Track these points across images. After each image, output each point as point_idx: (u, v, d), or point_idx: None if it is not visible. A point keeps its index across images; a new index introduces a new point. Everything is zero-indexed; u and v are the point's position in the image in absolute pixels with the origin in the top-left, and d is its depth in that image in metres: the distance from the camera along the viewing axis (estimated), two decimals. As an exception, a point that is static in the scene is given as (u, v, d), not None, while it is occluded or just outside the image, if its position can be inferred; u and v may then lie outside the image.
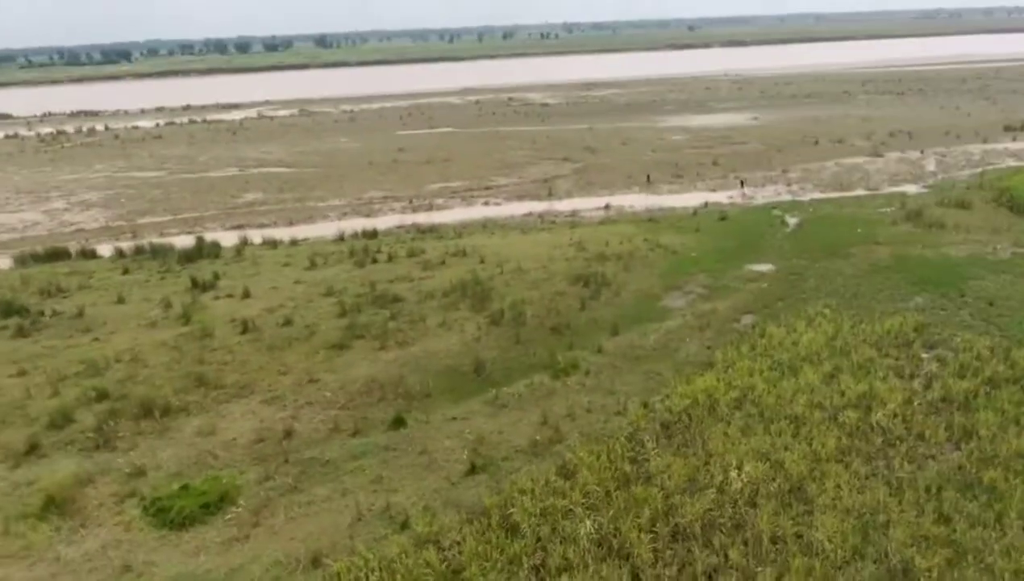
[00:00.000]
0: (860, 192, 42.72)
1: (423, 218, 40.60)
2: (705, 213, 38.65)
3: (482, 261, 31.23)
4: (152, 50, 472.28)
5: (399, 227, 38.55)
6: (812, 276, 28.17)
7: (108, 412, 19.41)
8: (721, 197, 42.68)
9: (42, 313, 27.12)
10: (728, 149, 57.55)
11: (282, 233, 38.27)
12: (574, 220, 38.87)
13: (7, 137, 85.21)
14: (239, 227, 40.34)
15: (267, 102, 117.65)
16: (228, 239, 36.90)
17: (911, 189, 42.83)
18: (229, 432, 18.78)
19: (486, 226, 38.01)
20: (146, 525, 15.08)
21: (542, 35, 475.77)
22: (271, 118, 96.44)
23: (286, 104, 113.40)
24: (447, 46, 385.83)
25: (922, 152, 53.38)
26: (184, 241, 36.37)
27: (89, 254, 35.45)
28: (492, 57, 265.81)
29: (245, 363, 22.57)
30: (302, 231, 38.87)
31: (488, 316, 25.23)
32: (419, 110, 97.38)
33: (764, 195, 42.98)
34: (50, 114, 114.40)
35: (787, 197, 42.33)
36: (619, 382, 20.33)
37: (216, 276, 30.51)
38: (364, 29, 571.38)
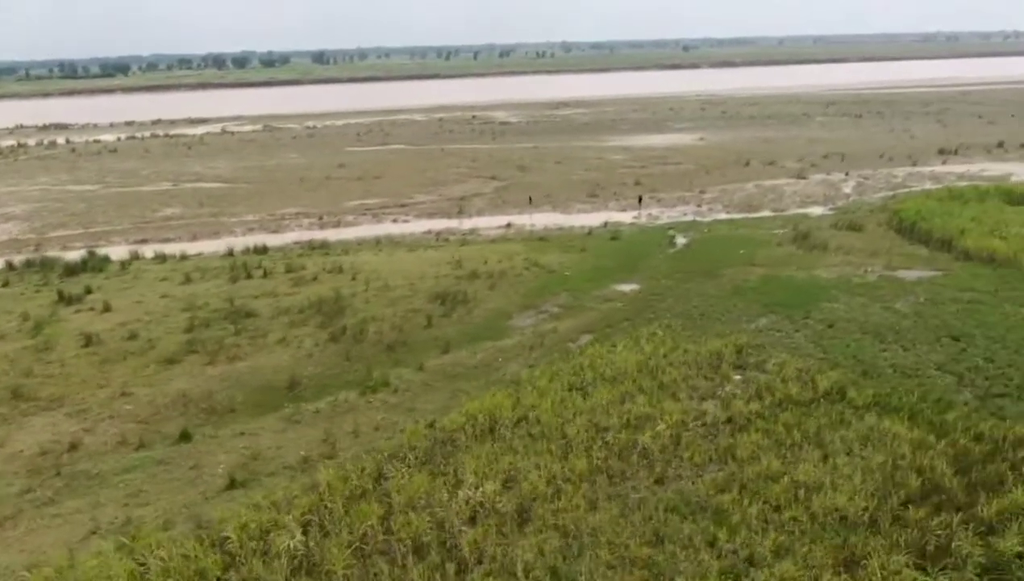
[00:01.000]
0: (766, 213, 42.99)
1: (328, 234, 40.88)
2: (601, 232, 38.90)
3: (354, 278, 31.43)
4: (152, 64, 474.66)
5: (296, 243, 38.80)
6: (672, 296, 28.34)
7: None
8: (625, 217, 42.99)
9: None
10: (659, 169, 57.92)
11: (180, 248, 38.47)
12: (470, 238, 39.09)
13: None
14: (143, 241, 40.60)
15: (237, 117, 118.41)
16: (123, 253, 37.11)
17: (816, 210, 43.11)
18: (18, 444, 18.88)
19: (379, 243, 38.23)
20: None
21: (537, 54, 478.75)
22: (232, 133, 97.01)
23: (254, 119, 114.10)
24: (442, 63, 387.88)
25: (847, 174, 53.74)
26: (76, 255, 36.54)
27: (-21, 266, 35.60)
28: (481, 75, 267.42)
29: (69, 377, 22.69)
30: (201, 246, 39.07)
31: (330, 333, 25.39)
32: (381, 127, 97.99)
33: (670, 215, 43.25)
34: (21, 127, 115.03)
35: (691, 217, 42.60)
36: (423, 400, 20.45)
37: (87, 290, 30.69)
38: (367, 46, 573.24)
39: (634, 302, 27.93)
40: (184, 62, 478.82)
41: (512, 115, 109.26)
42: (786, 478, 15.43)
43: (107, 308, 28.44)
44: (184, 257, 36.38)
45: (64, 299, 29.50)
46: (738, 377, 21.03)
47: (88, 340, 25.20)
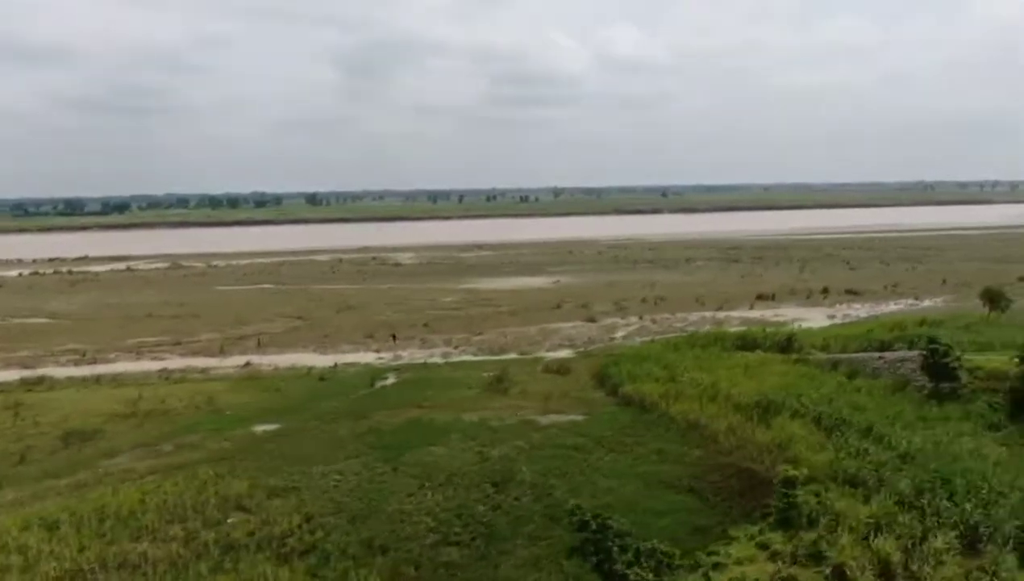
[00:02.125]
0: (512, 355, 44.33)
1: (79, 370, 42.12)
2: (319, 372, 40.08)
3: (17, 414, 32.39)
4: (154, 203, 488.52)
5: (22, 379, 39.89)
6: (291, 438, 29.04)
7: None
8: (370, 356, 44.32)
9: None
10: (465, 312, 59.90)
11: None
12: (196, 376, 40.39)
13: None
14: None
15: (159, 255, 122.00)
16: None
17: (563, 353, 44.39)
18: None
19: (99, 380, 39.42)
20: None
21: (521, 198, 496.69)
22: (134, 271, 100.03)
23: (171, 257, 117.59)
24: (403, 207, 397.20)
25: (640, 317, 55.53)
26: None
27: None
28: (445, 218, 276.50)
29: None
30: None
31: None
32: (277, 267, 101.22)
33: (416, 355, 44.65)
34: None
35: (436, 357, 43.94)
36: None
37: None
38: (376, 189, 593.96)
39: (248, 443, 28.55)
40: (181, 201, 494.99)
41: (413, 257, 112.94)
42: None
43: None
44: None
45: None
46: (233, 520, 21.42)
47: None
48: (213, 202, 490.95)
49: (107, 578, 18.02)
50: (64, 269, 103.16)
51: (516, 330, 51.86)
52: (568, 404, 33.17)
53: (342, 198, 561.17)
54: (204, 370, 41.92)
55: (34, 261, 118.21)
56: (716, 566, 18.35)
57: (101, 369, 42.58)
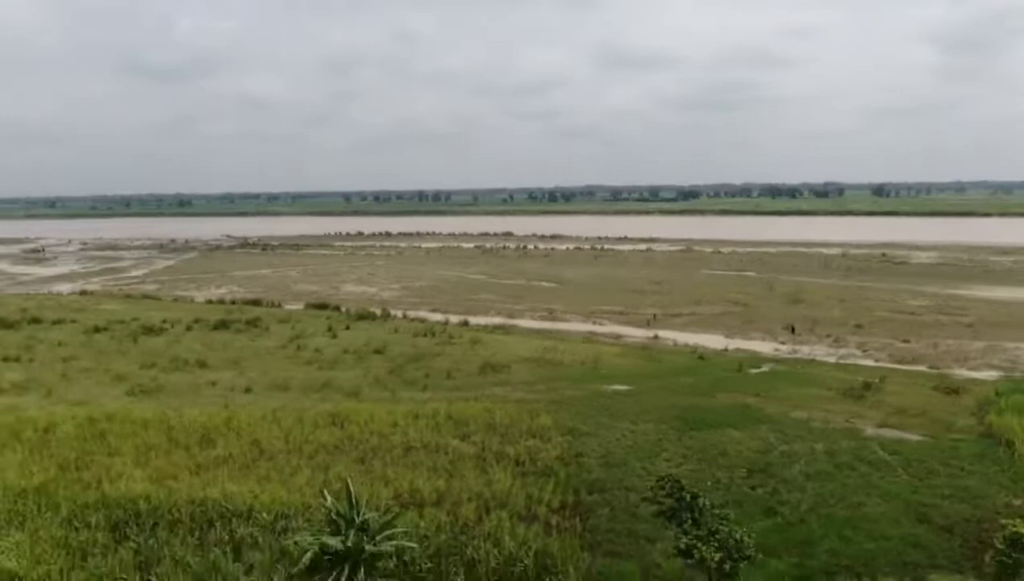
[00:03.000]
0: (920, 367, 40.52)
1: (541, 325, 53.95)
2: (702, 352, 43.40)
3: (473, 346, 44.40)
4: (732, 192, 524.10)
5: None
6: (626, 398, 34.31)
7: None
8: (770, 347, 45.67)
9: None
10: (924, 318, 54.25)
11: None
12: (610, 341, 47.64)
13: None
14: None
15: (682, 239, 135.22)
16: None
17: (987, 374, 38.81)
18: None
19: (540, 333, 49.72)
20: None
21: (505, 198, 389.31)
22: (652, 251, 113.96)
23: (691, 242, 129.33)
24: (980, 201, 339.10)
25: None
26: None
27: None
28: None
29: (260, 361, 41.43)
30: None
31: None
32: (776, 257, 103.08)
33: (821, 352, 44.11)
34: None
35: (834, 357, 43.02)
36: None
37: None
38: (972, 179, 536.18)
39: (591, 395, 34.70)
40: (744, 191, 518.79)
41: (932, 256, 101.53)
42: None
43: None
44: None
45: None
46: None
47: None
48: (773, 191, 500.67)
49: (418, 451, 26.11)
50: (597, 246, 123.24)
51: (954, 342, 45.82)
52: (918, 423, 30.35)
53: (914, 190, 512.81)
54: (618, 336, 49.12)
55: (579, 238, 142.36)
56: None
57: (550, 325, 53.40)
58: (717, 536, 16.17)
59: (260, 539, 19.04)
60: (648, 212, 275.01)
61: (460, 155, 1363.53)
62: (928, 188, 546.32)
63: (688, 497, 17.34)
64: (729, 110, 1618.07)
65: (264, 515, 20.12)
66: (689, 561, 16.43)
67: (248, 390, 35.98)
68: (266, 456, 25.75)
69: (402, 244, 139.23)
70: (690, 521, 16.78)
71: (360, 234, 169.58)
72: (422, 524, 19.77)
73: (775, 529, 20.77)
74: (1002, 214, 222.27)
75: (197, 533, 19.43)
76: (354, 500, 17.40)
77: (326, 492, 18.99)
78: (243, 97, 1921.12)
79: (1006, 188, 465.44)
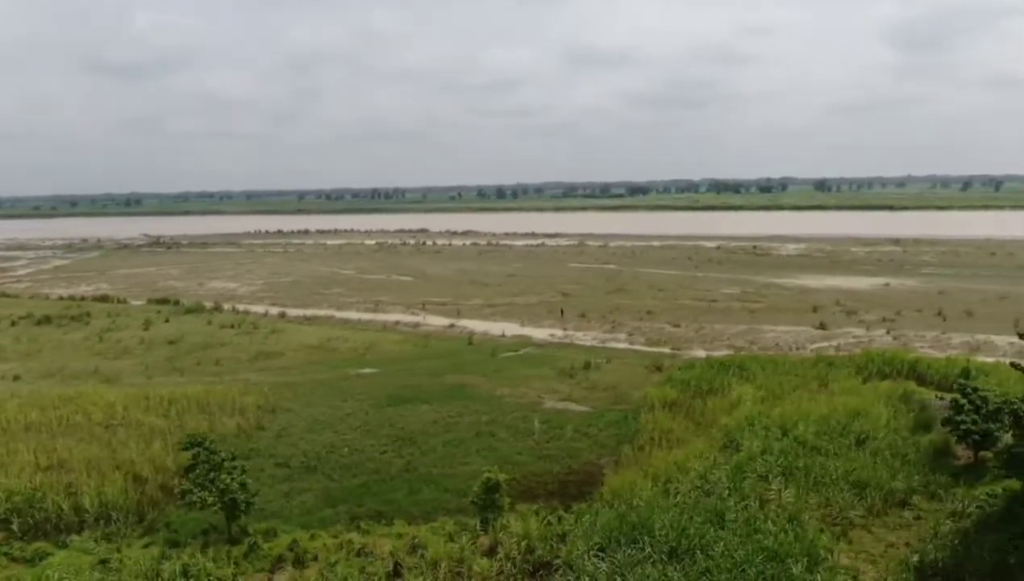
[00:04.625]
0: (664, 349, 44.43)
1: (364, 315, 56.79)
2: (476, 338, 46.77)
3: (265, 336, 47.13)
4: (684, 188, 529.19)
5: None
6: (366, 380, 37.32)
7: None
8: (547, 333, 49.45)
9: None
10: (726, 305, 58.44)
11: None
12: (406, 329, 50.85)
13: None
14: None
15: (584, 234, 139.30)
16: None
17: (721, 353, 42.58)
18: None
19: (347, 323, 52.71)
20: None
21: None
22: (545, 246, 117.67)
23: (589, 237, 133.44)
24: (912, 196, 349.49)
25: (889, 333, 47.41)
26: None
27: None
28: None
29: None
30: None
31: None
32: (648, 250, 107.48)
33: (594, 337, 48.09)
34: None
35: (597, 342, 46.75)
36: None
37: (160, 321, 52.69)
38: (922, 174, 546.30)
39: (332, 379, 37.72)
40: (692, 187, 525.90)
41: (800, 248, 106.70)
42: None
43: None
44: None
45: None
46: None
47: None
48: (719, 187, 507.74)
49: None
50: (494, 242, 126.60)
51: (720, 327, 49.87)
52: (600, 397, 34.00)
53: (856, 185, 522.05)
54: (415, 325, 52.50)
55: (488, 234, 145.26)
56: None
57: (370, 316, 56.54)
58: (217, 486, 19.38)
59: None
60: (584, 208, 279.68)
61: (426, 153, 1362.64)
62: (873, 183, 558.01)
63: (219, 458, 20.45)
64: (692, 107, 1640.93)
65: None
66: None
67: (16, 378, 38.46)
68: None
69: (309, 241, 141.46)
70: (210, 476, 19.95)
71: (279, 232, 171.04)
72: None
73: (361, 486, 24.14)
74: (919, 208, 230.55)
75: None
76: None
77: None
78: (206, 95, 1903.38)
79: (948, 182, 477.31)
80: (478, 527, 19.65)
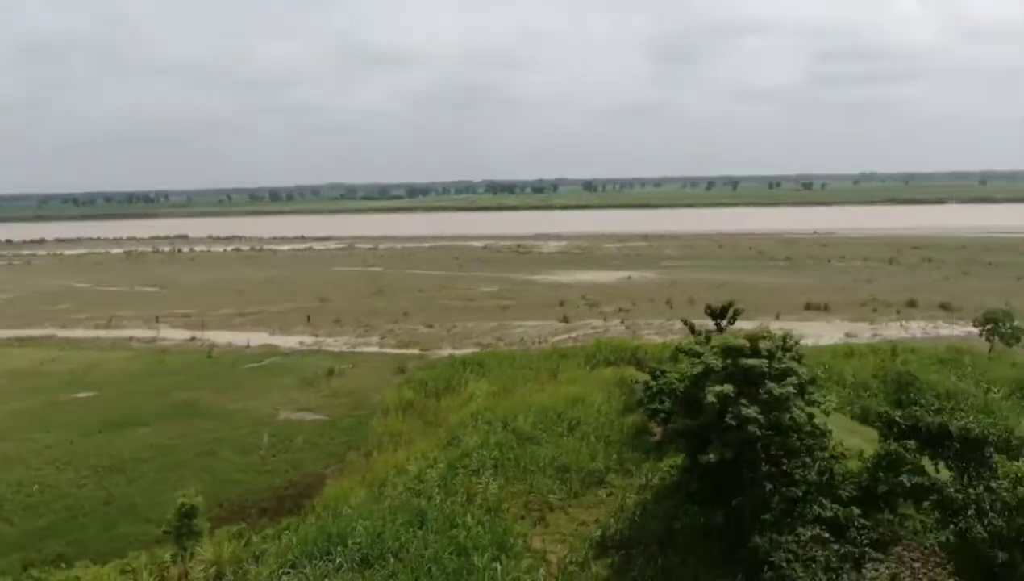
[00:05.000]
0: (413, 350, 44.71)
1: (94, 333, 51.23)
2: (216, 351, 44.19)
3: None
4: (465, 189, 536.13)
5: None
6: (77, 405, 33.49)
7: None
8: (296, 341, 48.03)
9: None
10: (481, 304, 60.20)
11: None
12: (139, 345, 46.98)
13: None
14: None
15: (354, 237, 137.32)
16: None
17: (467, 351, 43.47)
18: None
19: (72, 342, 47.59)
20: None
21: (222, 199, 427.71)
22: (311, 250, 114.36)
23: (358, 239, 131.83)
24: (668, 193, 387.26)
25: (623, 322, 51.29)
26: None
27: None
28: (715, 206, 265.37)
29: None
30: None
31: None
32: (415, 252, 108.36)
33: (344, 343, 47.53)
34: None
35: (349, 347, 46.08)
36: None
37: None
38: (680, 175, 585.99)
39: (36, 408, 33.51)
40: (470, 187, 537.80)
41: (562, 245, 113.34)
42: None
43: None
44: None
45: None
46: None
47: None
48: (496, 187, 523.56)
49: None
50: (257, 247, 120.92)
51: (473, 325, 51.26)
52: (340, 403, 33.59)
53: (619, 185, 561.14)
54: (150, 340, 48.55)
55: (253, 238, 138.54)
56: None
57: (101, 333, 51.38)
58: None
59: None
60: (361, 210, 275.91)
61: (192, 154, 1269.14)
62: (634, 183, 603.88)
63: None
64: (472, 109, 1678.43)
65: None
66: None
67: None
68: None
69: (42, 252, 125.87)
70: None
71: (8, 242, 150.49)
72: None
73: (45, 528, 21.91)
74: (670, 205, 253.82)
75: None
76: None
77: None
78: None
79: (696, 182, 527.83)
80: (168, 558, 18.27)
